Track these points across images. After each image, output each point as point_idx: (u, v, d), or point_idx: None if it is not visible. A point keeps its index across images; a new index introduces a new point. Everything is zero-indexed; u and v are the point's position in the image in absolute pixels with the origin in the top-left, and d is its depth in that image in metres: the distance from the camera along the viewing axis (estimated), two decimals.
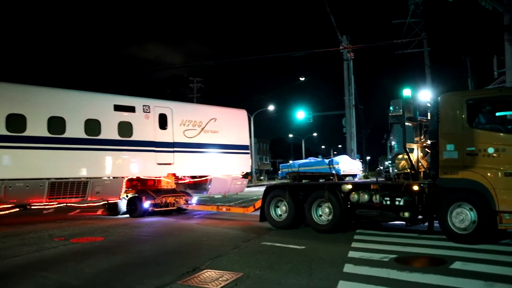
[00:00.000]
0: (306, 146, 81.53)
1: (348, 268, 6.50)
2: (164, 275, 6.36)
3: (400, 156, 10.05)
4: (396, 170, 10.07)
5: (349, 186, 10.06)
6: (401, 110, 9.54)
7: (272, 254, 7.83)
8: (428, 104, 10.39)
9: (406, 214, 9.04)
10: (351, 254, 7.55)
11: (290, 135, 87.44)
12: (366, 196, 9.63)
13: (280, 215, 11.22)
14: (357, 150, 22.62)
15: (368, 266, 6.55)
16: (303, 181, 11.73)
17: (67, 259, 7.77)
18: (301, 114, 31.88)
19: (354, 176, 11.68)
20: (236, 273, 6.31)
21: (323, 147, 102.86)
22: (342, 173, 10.87)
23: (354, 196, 9.84)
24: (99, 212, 16.78)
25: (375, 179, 10.57)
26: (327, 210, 10.22)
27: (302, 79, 32.36)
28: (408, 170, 9.73)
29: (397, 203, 9.19)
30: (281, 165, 13.27)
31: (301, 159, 21.69)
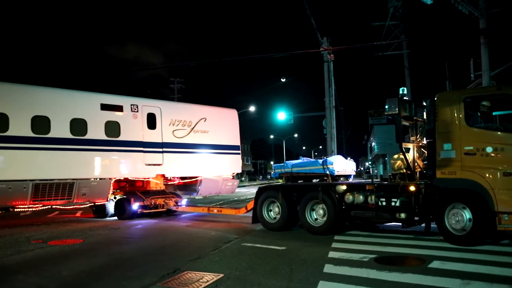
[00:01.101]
0: (287, 147, 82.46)
1: (328, 268, 6.52)
2: (144, 277, 6.27)
3: (395, 156, 9.86)
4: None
5: (344, 187, 9.86)
6: (396, 109, 9.31)
7: (252, 255, 7.79)
8: (424, 103, 10.20)
9: (403, 215, 8.87)
10: (331, 254, 7.56)
11: (271, 136, 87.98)
12: (361, 197, 9.47)
13: (273, 216, 10.98)
14: (338, 151, 22.59)
15: (348, 266, 6.59)
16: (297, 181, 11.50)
17: (44, 262, 7.58)
18: (282, 115, 32.23)
19: (348, 176, 11.47)
20: (216, 274, 6.28)
21: (304, 148, 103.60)
22: (336, 173, 10.67)
23: (348, 197, 9.66)
24: (78, 214, 16.40)
25: (370, 180, 10.35)
26: (321, 211, 10.00)
27: (283, 80, 32.71)
28: (404, 170, 9.55)
29: (393, 204, 9.04)
30: (274, 165, 13.06)
31: (282, 160, 21.46)
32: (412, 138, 9.97)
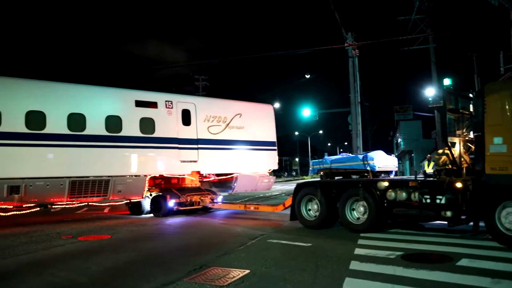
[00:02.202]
0: (312, 143, 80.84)
1: (354, 265, 6.45)
2: (170, 272, 6.32)
3: (440, 151, 9.24)
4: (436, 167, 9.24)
5: (385, 184, 9.38)
6: (442, 101, 8.71)
7: (278, 251, 7.76)
8: (471, 95, 9.49)
9: (448, 214, 8.37)
10: (357, 251, 7.46)
11: (296, 133, 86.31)
12: (403, 194, 8.99)
13: (312, 214, 10.59)
14: (363, 148, 22.26)
15: (374, 263, 6.50)
16: (336, 178, 11.00)
17: (74, 257, 7.71)
18: (306, 112, 31.81)
19: (389, 172, 10.86)
20: (242, 270, 6.29)
21: (329, 144, 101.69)
22: (377, 169, 10.13)
23: (390, 194, 9.19)
24: (106, 211, 16.55)
25: (413, 176, 9.72)
26: (362, 208, 9.55)
27: (307, 76, 32.55)
28: (449, 166, 8.89)
29: (438, 201, 8.53)
30: (312, 161, 12.61)
31: (308, 156, 20.93)
32: (457, 132, 9.28)
